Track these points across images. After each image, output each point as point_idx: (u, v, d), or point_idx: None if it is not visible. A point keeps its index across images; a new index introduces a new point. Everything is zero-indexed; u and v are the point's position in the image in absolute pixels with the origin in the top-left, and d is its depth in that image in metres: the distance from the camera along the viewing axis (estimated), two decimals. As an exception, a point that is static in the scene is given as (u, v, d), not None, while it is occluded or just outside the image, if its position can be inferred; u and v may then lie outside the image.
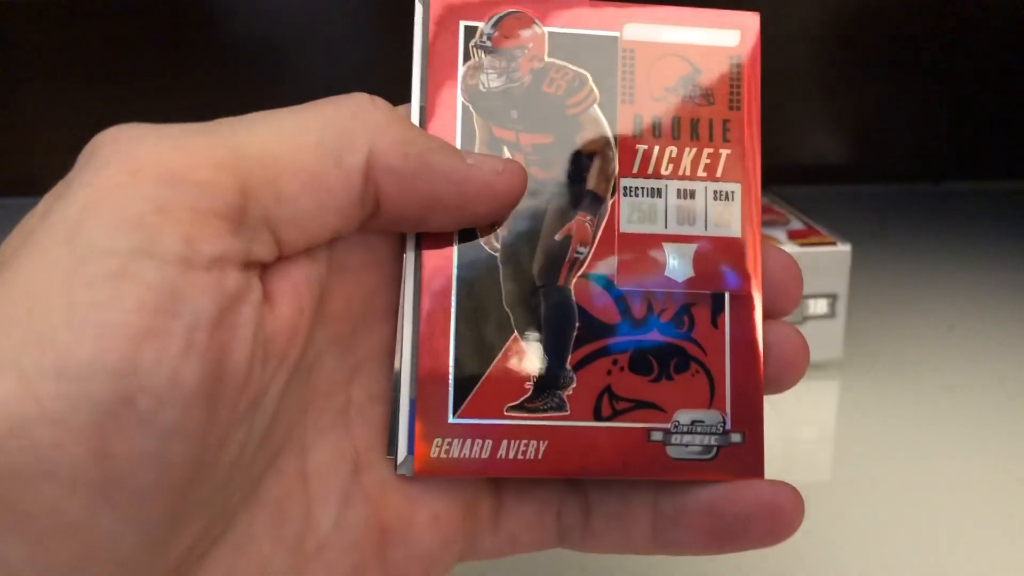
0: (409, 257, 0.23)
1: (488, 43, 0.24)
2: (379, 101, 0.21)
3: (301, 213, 0.20)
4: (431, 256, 0.23)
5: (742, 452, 0.24)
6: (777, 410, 0.41)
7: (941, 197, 0.57)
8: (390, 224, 0.22)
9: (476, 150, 0.24)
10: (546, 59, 0.24)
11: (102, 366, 0.16)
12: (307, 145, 0.20)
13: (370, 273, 0.23)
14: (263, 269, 0.20)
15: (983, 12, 0.52)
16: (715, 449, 0.24)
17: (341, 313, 0.23)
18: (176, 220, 0.18)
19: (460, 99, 0.24)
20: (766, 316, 0.24)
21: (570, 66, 0.24)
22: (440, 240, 0.23)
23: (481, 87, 0.24)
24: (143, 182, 0.18)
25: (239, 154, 0.19)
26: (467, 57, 0.24)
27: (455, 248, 0.23)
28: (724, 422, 0.24)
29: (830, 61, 0.61)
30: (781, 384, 0.24)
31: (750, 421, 0.24)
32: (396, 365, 0.23)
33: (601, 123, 0.24)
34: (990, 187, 0.58)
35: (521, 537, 0.25)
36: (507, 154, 0.24)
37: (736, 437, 0.24)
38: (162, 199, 0.18)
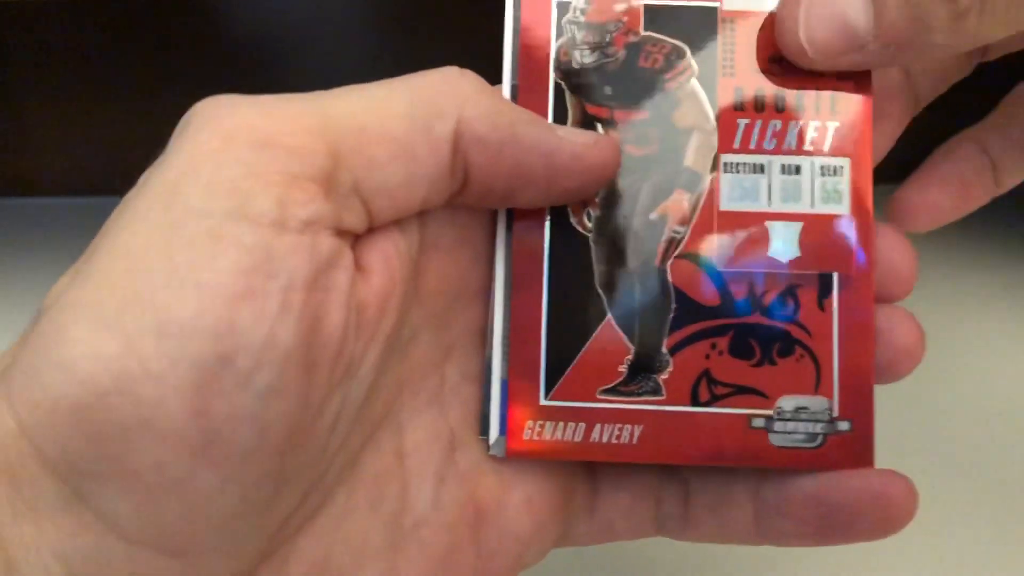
0: (500, 237, 0.23)
1: (581, 18, 0.23)
2: (469, 73, 0.21)
3: (390, 181, 0.20)
4: (522, 236, 0.23)
5: (850, 441, 0.22)
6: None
7: None
8: (478, 197, 0.21)
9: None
10: (642, 32, 0.23)
11: (201, 325, 0.17)
12: (396, 114, 0.20)
13: (463, 252, 0.23)
14: (355, 239, 0.20)
15: None
16: (821, 437, 0.22)
17: (435, 291, 0.23)
18: (269, 183, 0.18)
19: (552, 76, 0.23)
20: (878, 300, 0.23)
21: (667, 39, 0.23)
22: (532, 220, 0.23)
23: (574, 63, 0.23)
24: (237, 147, 0.18)
25: (329, 121, 0.19)
26: (560, 33, 0.23)
27: (547, 228, 0.23)
28: (831, 409, 0.22)
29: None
30: (895, 372, 0.23)
31: (859, 409, 0.22)
32: (488, 346, 0.23)
33: (700, 98, 0.23)
34: None
35: (617, 524, 0.25)
36: (600, 132, 0.23)
37: (844, 425, 0.22)
38: (255, 163, 0.18)
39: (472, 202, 0.22)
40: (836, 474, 0.23)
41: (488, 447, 0.23)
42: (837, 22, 0.22)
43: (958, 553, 0.34)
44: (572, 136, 0.22)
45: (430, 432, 0.23)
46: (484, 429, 0.23)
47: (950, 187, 0.24)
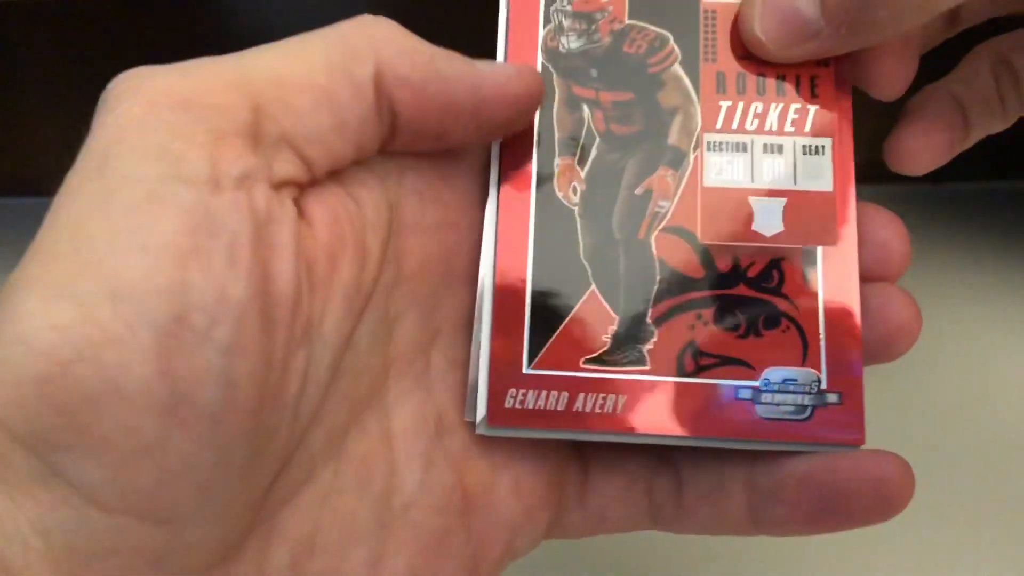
0: (489, 209, 0.23)
1: (568, 7, 0.24)
2: (384, 19, 0.21)
3: (319, 129, 0.20)
4: (508, 208, 0.23)
5: (839, 413, 0.22)
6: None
7: (941, 197, 0.56)
8: (411, 139, 0.21)
9: (555, 108, 0.24)
10: (626, 20, 0.24)
11: (153, 286, 0.17)
12: (314, 63, 0.20)
13: (448, 233, 0.23)
14: (299, 192, 0.20)
15: None
16: (809, 409, 0.22)
17: (418, 273, 0.22)
18: (197, 143, 0.18)
19: (540, 60, 0.24)
20: (871, 278, 0.23)
21: (651, 27, 0.24)
22: (518, 192, 0.23)
23: (561, 48, 0.24)
24: (159, 110, 0.18)
25: (248, 76, 0.19)
26: (547, 21, 0.24)
27: (532, 201, 0.23)
28: (819, 381, 0.22)
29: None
30: (892, 350, 0.23)
31: (848, 381, 0.22)
32: (476, 328, 0.23)
33: (683, 81, 0.24)
34: (990, 187, 0.56)
35: (610, 514, 0.24)
36: (587, 112, 0.24)
37: (832, 397, 0.22)
38: (180, 124, 0.18)
39: (406, 145, 0.21)
40: (829, 456, 0.22)
41: (474, 425, 0.22)
42: (787, 13, 0.23)
43: (957, 550, 0.34)
44: (494, 68, 0.22)
45: (417, 416, 0.22)
46: (469, 410, 0.22)
47: (941, 128, 0.25)
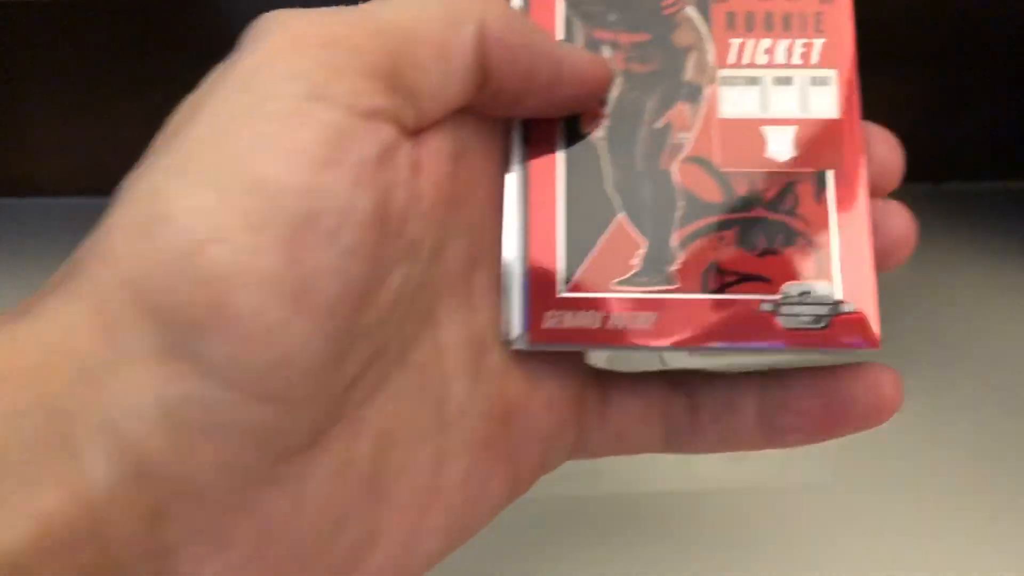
0: (516, 145, 0.24)
1: None
2: None
3: (434, 82, 0.21)
4: (537, 140, 0.25)
5: (855, 321, 0.24)
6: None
7: (941, 197, 0.57)
8: (490, 99, 0.23)
9: None
10: None
11: (290, 185, 0.18)
12: (432, 16, 0.21)
13: (490, 163, 0.24)
14: (412, 136, 0.21)
15: (984, 11, 0.52)
16: (826, 319, 0.24)
17: (463, 198, 0.24)
18: (339, 75, 0.19)
19: (562, 5, 0.25)
20: (871, 194, 0.25)
21: None
22: (546, 127, 0.25)
23: None
24: (306, 46, 0.20)
25: (384, 26, 0.21)
26: None
27: (560, 135, 0.25)
28: (834, 292, 0.24)
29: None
30: (890, 259, 0.24)
31: (861, 292, 0.24)
32: (504, 247, 0.24)
33: (695, 21, 0.25)
34: (990, 187, 0.57)
35: (627, 435, 0.26)
36: (607, 53, 0.25)
37: (847, 307, 0.24)
38: (325, 59, 0.20)
39: (481, 105, 0.23)
40: (833, 367, 0.24)
41: (511, 341, 0.24)
42: None
43: (956, 552, 0.35)
44: (575, 50, 0.24)
45: (462, 333, 0.24)
46: (506, 328, 0.24)
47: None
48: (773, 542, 0.36)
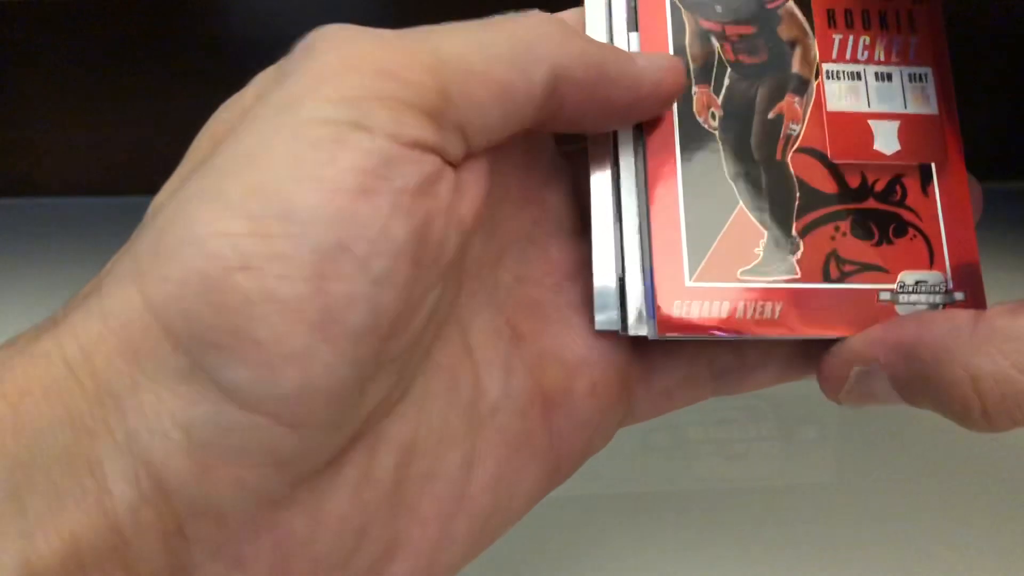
0: (628, 136, 0.24)
1: None
2: (554, 17, 0.23)
3: (489, 120, 0.21)
4: (654, 134, 0.24)
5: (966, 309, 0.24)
6: (777, 410, 0.42)
7: None
8: (567, 126, 0.23)
9: (687, 40, 0.25)
10: None
11: (323, 214, 0.18)
12: (498, 56, 0.21)
13: (507, 163, 0.24)
14: (458, 163, 0.21)
15: (984, 12, 0.54)
16: (941, 307, 0.24)
17: (497, 206, 0.24)
18: (386, 105, 0.19)
19: None
20: None
21: None
22: (660, 121, 0.24)
23: None
24: (358, 71, 0.19)
25: (441, 61, 0.20)
26: None
27: (676, 127, 0.24)
28: (946, 282, 0.24)
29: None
30: None
31: (970, 281, 0.24)
32: (596, 243, 0.24)
33: (798, 16, 0.26)
34: (990, 187, 0.61)
35: (676, 392, 0.26)
36: (715, 43, 0.25)
37: (959, 295, 0.24)
38: (374, 87, 0.19)
39: (561, 129, 0.23)
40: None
41: (627, 328, 0.24)
42: None
43: (957, 553, 0.35)
44: (650, 63, 0.23)
45: (491, 329, 0.24)
46: (607, 318, 0.24)
47: None
48: (773, 542, 0.36)
